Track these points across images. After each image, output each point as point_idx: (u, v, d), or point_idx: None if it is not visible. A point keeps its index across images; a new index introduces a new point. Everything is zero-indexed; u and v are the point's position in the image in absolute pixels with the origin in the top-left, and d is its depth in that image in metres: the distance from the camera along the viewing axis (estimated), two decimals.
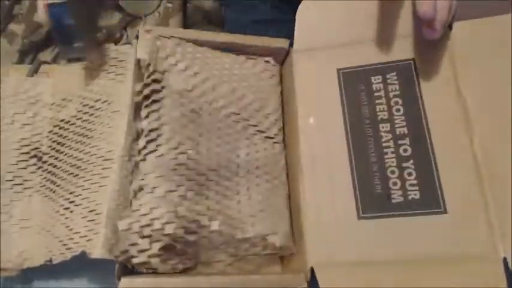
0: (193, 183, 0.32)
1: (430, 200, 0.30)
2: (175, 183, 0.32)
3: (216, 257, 0.33)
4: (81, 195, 0.35)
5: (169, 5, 0.52)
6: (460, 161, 0.31)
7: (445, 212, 0.30)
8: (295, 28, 0.37)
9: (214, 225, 0.32)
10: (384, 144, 0.32)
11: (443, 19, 0.31)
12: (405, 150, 0.32)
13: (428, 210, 0.30)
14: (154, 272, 0.31)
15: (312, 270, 0.30)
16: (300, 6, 0.37)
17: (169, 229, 0.30)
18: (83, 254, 0.32)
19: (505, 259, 0.28)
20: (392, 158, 0.32)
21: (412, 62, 0.34)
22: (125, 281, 0.29)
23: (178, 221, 0.30)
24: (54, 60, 0.49)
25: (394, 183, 0.31)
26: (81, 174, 0.36)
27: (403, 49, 0.35)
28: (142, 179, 0.32)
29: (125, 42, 0.50)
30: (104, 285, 0.36)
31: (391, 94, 0.34)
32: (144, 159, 0.32)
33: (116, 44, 0.49)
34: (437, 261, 0.29)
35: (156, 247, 0.30)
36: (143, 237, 0.30)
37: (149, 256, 0.30)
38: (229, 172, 0.34)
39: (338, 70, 0.36)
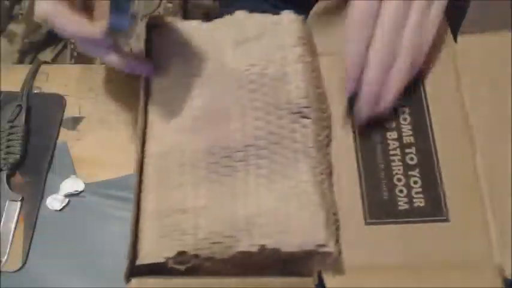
0: None
1: (434, 208, 0.31)
2: None
3: None
4: None
5: (170, 4, 0.51)
6: (463, 171, 0.32)
7: (447, 220, 0.31)
8: None
9: None
10: (391, 152, 0.33)
11: (395, 90, 0.32)
12: (411, 159, 0.33)
13: (432, 218, 0.31)
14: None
15: (320, 274, 0.30)
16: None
17: None
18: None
19: (502, 269, 0.29)
20: (399, 165, 0.33)
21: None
22: (135, 282, 0.29)
23: None
24: (54, 60, 0.48)
25: (401, 191, 0.32)
26: None
27: None
28: None
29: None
30: (105, 285, 0.36)
31: (398, 103, 0.34)
32: None
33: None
34: (439, 268, 0.30)
35: None
36: None
37: None
38: None
39: None
